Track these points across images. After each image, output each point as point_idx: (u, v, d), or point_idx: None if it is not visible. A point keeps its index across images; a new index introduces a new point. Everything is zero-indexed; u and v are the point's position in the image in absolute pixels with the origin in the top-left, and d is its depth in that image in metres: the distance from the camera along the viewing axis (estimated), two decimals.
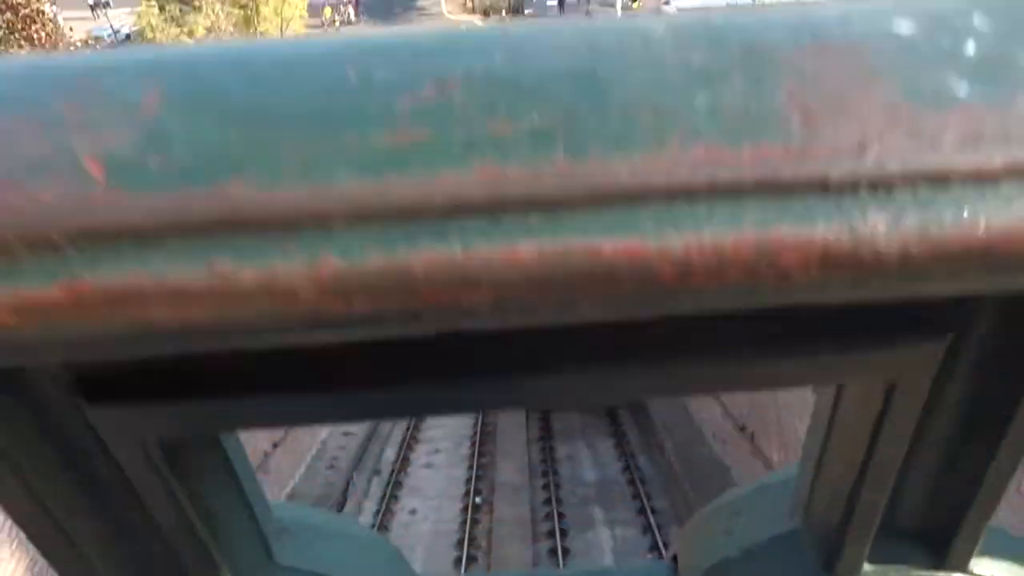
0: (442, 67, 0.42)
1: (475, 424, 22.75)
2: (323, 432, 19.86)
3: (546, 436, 21.05)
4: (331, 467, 18.04)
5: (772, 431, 13.73)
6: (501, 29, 0.45)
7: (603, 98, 0.42)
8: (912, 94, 0.42)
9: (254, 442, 14.93)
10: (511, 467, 18.72)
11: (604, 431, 21.30)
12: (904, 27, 0.42)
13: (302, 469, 17.78)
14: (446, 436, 22.40)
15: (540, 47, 0.43)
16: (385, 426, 22.57)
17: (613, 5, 52.38)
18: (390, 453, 21.18)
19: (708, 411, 18.25)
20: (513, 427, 21.36)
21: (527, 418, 21.61)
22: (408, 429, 22.63)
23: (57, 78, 0.42)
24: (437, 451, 21.36)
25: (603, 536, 16.23)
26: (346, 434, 20.10)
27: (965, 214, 0.41)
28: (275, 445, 15.98)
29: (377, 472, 20.03)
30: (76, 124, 0.40)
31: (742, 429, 15.38)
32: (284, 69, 0.43)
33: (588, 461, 19.95)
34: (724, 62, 0.42)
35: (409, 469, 20.21)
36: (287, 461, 16.82)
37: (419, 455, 21.15)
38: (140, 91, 0.41)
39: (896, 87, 0.42)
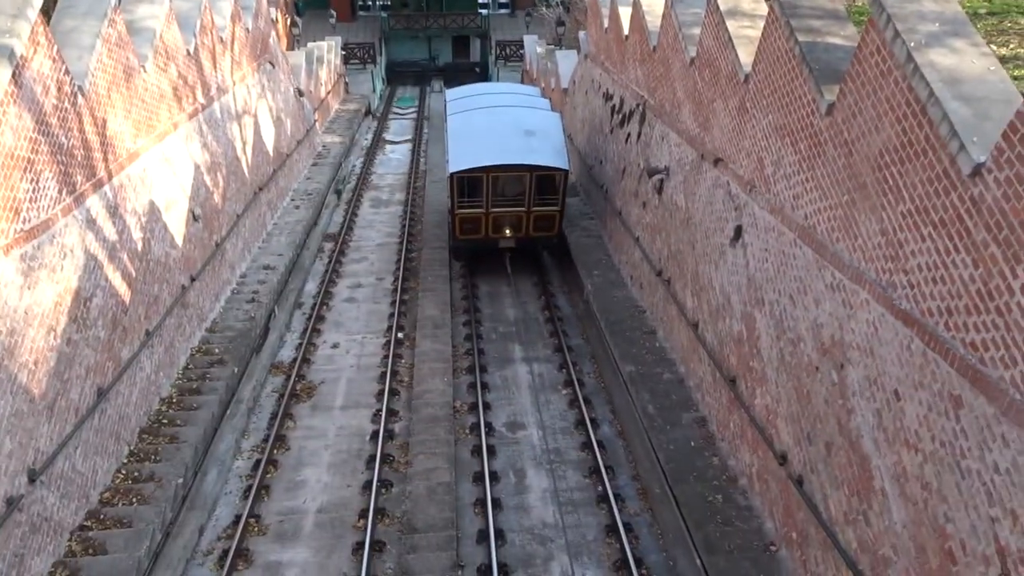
0: None
1: (398, 260, 22.80)
2: (242, 265, 19.56)
3: (468, 274, 21.29)
4: (252, 300, 17.92)
5: (688, 277, 14.22)
6: None
7: None
8: None
9: (169, 275, 14.59)
10: (434, 303, 19.01)
11: (526, 272, 21.66)
12: None
13: (221, 302, 17.61)
14: (368, 271, 22.43)
15: None
16: (306, 259, 22.37)
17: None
18: (312, 287, 21.16)
19: (628, 254, 18.71)
20: (437, 264, 21.48)
21: (449, 257, 21.73)
22: (330, 263, 22.52)
23: None
24: (359, 285, 21.43)
25: (521, 371, 16.94)
26: (266, 268, 19.85)
27: None
28: (192, 279, 15.67)
29: (299, 305, 20.06)
30: None
31: (659, 274, 15.88)
32: None
33: (509, 299, 20.40)
34: None
35: (331, 303, 20.29)
36: (206, 295, 16.59)
37: (341, 289, 21.19)
38: None
39: None
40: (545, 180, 19.61)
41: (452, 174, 19.47)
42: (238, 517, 12.04)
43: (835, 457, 8.67)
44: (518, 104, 22.29)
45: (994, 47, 10.75)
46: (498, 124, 20.51)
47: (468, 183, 19.59)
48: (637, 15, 18.61)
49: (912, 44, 7.34)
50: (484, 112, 21.27)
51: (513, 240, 20.46)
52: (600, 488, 12.87)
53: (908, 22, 7.57)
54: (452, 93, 25.59)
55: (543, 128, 20.32)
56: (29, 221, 9.79)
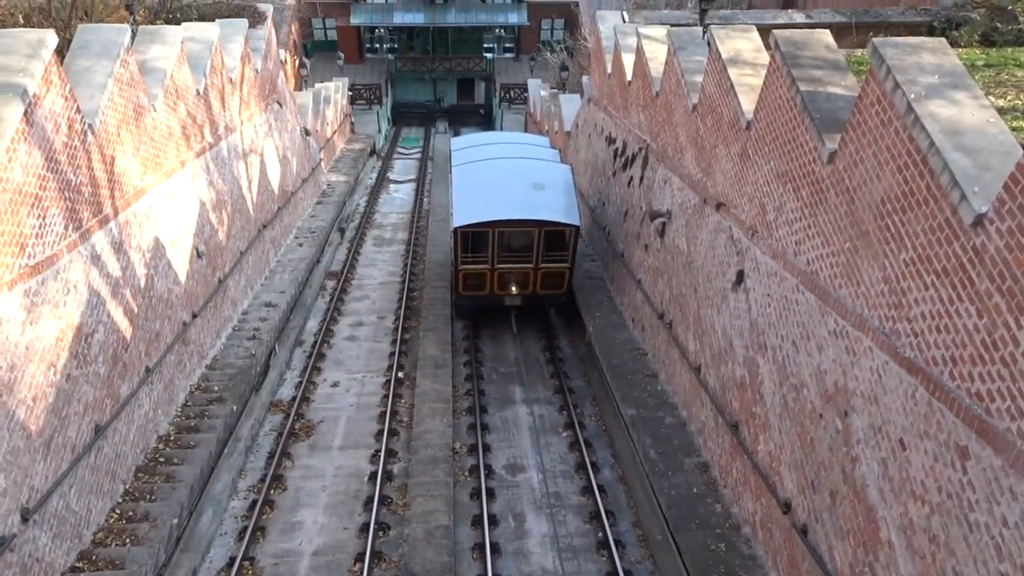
0: None
1: (400, 299, 22.81)
2: (244, 302, 19.57)
3: (470, 315, 21.29)
4: (253, 338, 17.89)
5: (690, 321, 14.20)
6: None
7: None
8: None
9: (171, 311, 14.59)
10: (435, 343, 18.97)
11: (528, 313, 21.65)
12: None
13: (222, 339, 17.58)
14: (369, 309, 22.43)
15: None
16: (308, 297, 22.39)
17: None
18: (313, 324, 21.14)
19: (630, 297, 18.71)
20: (439, 303, 21.49)
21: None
22: (332, 301, 22.53)
23: None
24: (360, 324, 21.41)
25: (521, 413, 16.83)
26: (268, 305, 19.85)
27: None
28: (194, 315, 15.67)
29: (300, 343, 20.02)
30: None
31: (660, 317, 15.86)
32: None
33: (511, 339, 20.36)
34: None
35: (332, 341, 20.25)
36: (207, 331, 16.57)
37: (342, 327, 21.17)
38: None
39: None
40: (554, 236, 18.84)
41: (456, 228, 18.72)
42: (232, 559, 11.87)
43: (840, 506, 8.56)
44: (526, 155, 21.69)
45: (993, 99, 10.88)
46: (505, 176, 19.89)
47: (473, 238, 18.84)
48: (640, 61, 18.89)
49: (912, 95, 7.42)
50: (491, 163, 20.67)
51: (519, 297, 19.69)
52: (600, 534, 12.70)
53: (908, 74, 7.67)
54: (458, 142, 24.96)
55: (552, 181, 19.75)
56: (34, 257, 9.83)
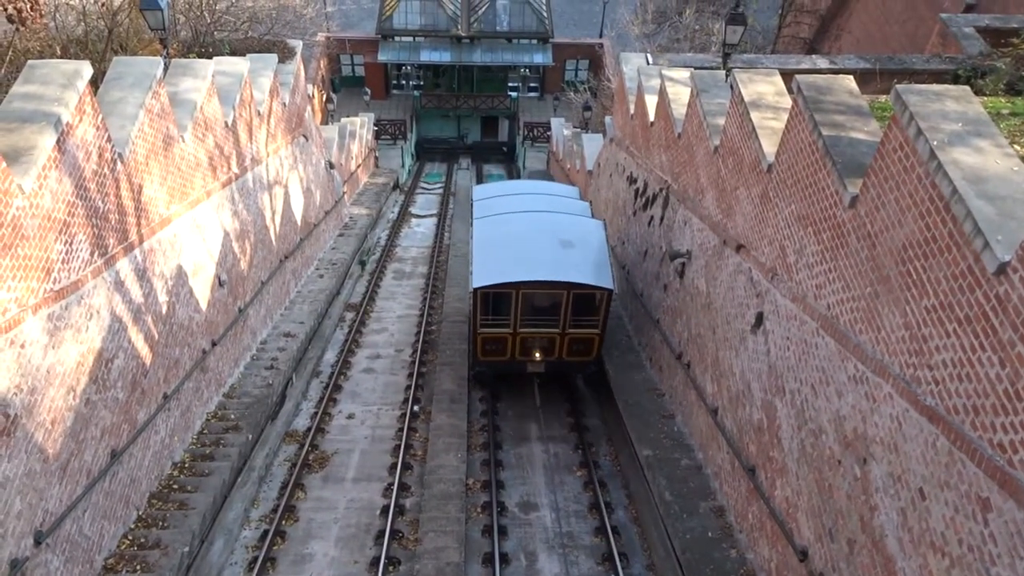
0: None
1: (418, 332, 22.86)
2: (263, 332, 19.70)
3: None
4: (271, 367, 17.97)
5: (708, 362, 14.10)
6: None
7: None
8: None
9: (191, 339, 14.71)
10: (451, 377, 18.96)
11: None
12: None
13: (240, 368, 17.68)
14: (387, 342, 22.49)
15: None
16: (327, 328, 22.50)
17: None
18: (331, 356, 21.21)
19: (648, 336, 18.63)
20: (456, 338, 21.51)
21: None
22: (350, 332, 22.63)
23: None
24: (378, 356, 21.45)
25: (536, 450, 16.71)
26: (287, 335, 19.96)
27: None
28: (214, 343, 15.79)
29: (317, 374, 20.07)
30: None
31: (679, 357, 15.77)
32: None
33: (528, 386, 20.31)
34: None
35: (349, 372, 20.29)
36: (226, 360, 16.68)
37: (359, 359, 21.21)
38: None
39: None
40: (584, 299, 17.04)
41: (476, 289, 16.86)
42: None
43: (858, 556, 8.38)
44: (555, 208, 20.17)
45: (1017, 147, 10.83)
46: (531, 232, 18.26)
47: (494, 299, 17.18)
48: (663, 103, 19.04)
49: (935, 142, 7.42)
50: (515, 217, 19.06)
51: (543, 364, 17.94)
52: None
53: (931, 120, 7.68)
54: (481, 191, 23.27)
55: (583, 238, 18.04)
56: (59, 282, 9.98)
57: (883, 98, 15.67)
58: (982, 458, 6.33)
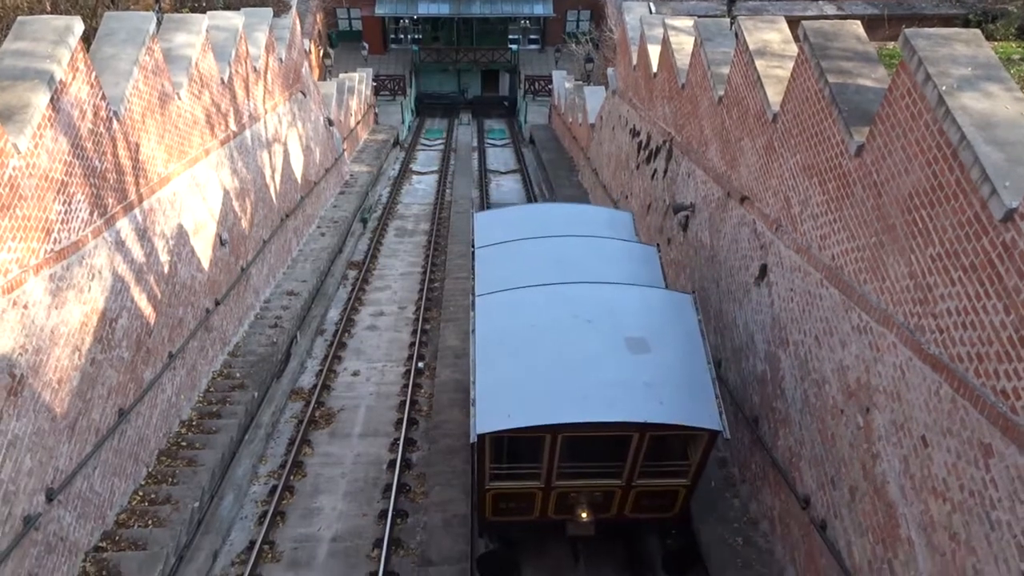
0: None
1: (421, 289, 22.87)
2: (266, 291, 19.71)
3: None
4: (275, 326, 18.03)
5: (711, 315, 14.10)
6: None
7: None
8: None
9: (194, 298, 14.73)
10: (455, 333, 19.02)
11: None
12: None
13: (244, 327, 17.73)
14: (390, 300, 22.51)
15: None
16: (330, 286, 22.51)
17: None
18: (334, 314, 21.26)
19: None
20: (459, 294, 21.53)
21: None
22: (353, 290, 22.64)
23: None
24: (381, 313, 21.50)
25: None
26: (290, 294, 19.98)
27: None
28: (217, 302, 15.81)
29: (321, 332, 20.15)
30: None
31: None
32: None
33: None
34: None
35: (353, 330, 20.36)
36: (230, 319, 16.72)
37: (363, 317, 21.26)
38: None
39: None
40: (670, 441, 10.32)
41: (483, 435, 9.55)
42: (252, 543, 11.99)
43: (860, 503, 8.47)
44: (603, 262, 12.96)
45: None
46: (574, 321, 10.81)
47: (512, 445, 10.51)
48: (666, 53, 18.73)
49: (944, 88, 7.28)
50: (545, 293, 11.45)
51: (592, 525, 10.93)
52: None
53: (940, 65, 7.53)
54: (484, 226, 15.12)
55: (662, 325, 10.94)
56: (60, 242, 9.95)
57: (891, 45, 15.40)
58: (985, 405, 6.34)
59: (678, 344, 10.57)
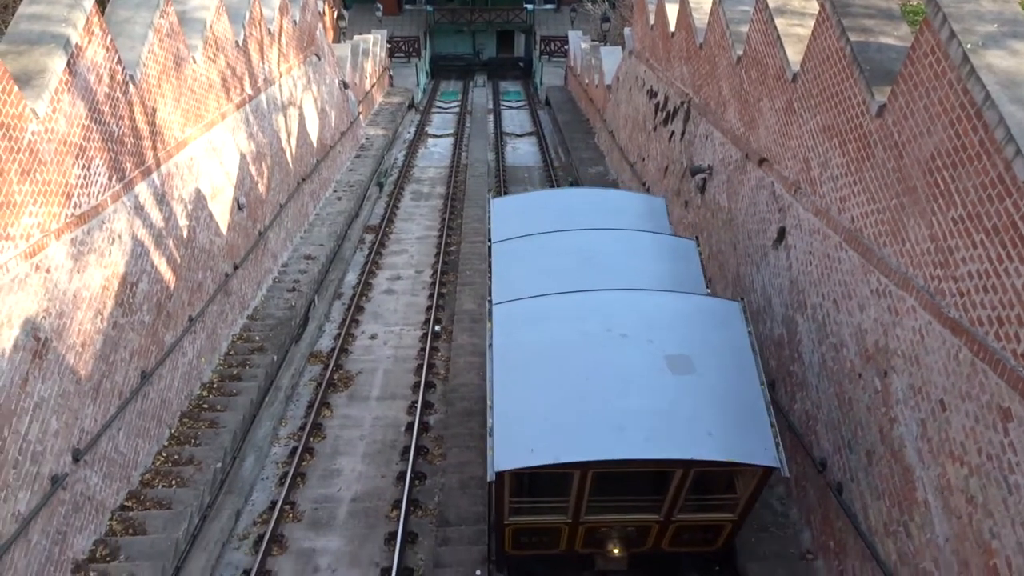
0: None
1: (437, 253, 22.89)
2: (284, 255, 19.82)
3: None
4: (293, 290, 18.15)
5: (729, 279, 14.04)
6: None
7: None
8: None
9: (213, 262, 14.84)
10: (471, 297, 19.07)
11: None
12: None
13: (263, 291, 17.87)
14: (407, 263, 22.57)
15: None
16: (347, 250, 22.59)
17: None
18: (351, 277, 21.36)
19: None
20: (476, 258, 21.54)
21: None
22: (370, 254, 22.71)
23: None
24: (398, 277, 21.58)
25: None
26: (307, 258, 20.08)
27: None
28: (235, 267, 15.92)
29: (338, 296, 20.27)
30: None
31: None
32: None
33: None
34: None
35: (370, 294, 20.46)
36: (248, 283, 16.85)
37: (380, 281, 21.35)
38: None
39: None
40: (716, 477, 9.28)
41: (502, 472, 8.36)
42: (274, 503, 12.22)
43: (876, 467, 8.49)
44: (634, 260, 11.71)
45: None
46: (605, 336, 9.44)
47: (534, 481, 9.58)
48: (684, 12, 18.40)
49: (968, 45, 7.12)
50: (570, 302, 10.00)
51: (626, 560, 9.86)
52: None
53: (965, 22, 7.35)
54: (500, 209, 14.15)
55: (708, 341, 9.47)
56: (80, 206, 10.03)
57: (915, 1, 15.04)
58: (1005, 368, 6.31)
59: (726, 362, 9.16)
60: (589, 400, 8.70)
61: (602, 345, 9.30)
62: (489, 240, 13.02)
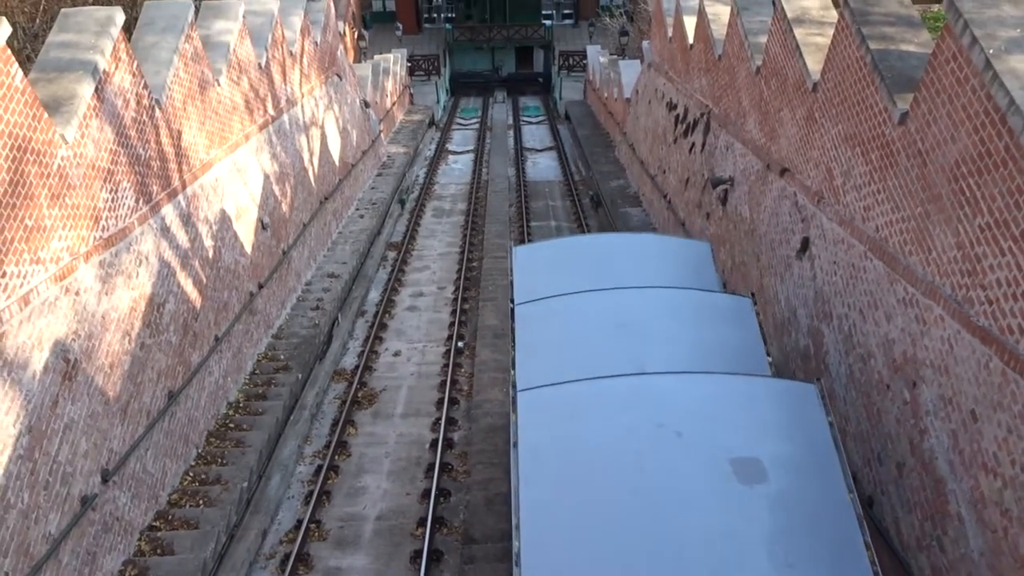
0: None
1: (459, 270, 22.95)
2: (307, 273, 19.98)
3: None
4: (317, 308, 18.28)
5: (752, 290, 13.93)
6: None
7: None
8: None
9: (238, 282, 15.00)
10: (494, 313, 19.08)
11: None
12: None
13: (287, 309, 18.01)
14: (430, 280, 22.65)
15: None
16: (370, 268, 22.72)
17: None
18: (374, 295, 21.47)
19: None
20: (497, 274, 21.58)
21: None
22: (392, 272, 22.82)
23: None
24: (421, 294, 21.65)
25: None
26: (331, 276, 20.22)
27: None
28: (260, 286, 16.07)
29: (362, 313, 20.37)
30: None
31: (723, 287, 15.59)
32: None
33: None
34: None
35: (393, 311, 20.54)
36: (272, 302, 17.00)
37: (403, 298, 21.44)
38: None
39: None
40: None
41: None
42: (300, 522, 12.25)
43: (907, 479, 8.35)
44: (685, 336, 10.01)
45: None
46: (656, 434, 7.77)
47: None
48: (702, 24, 18.41)
49: (991, 51, 7.05)
50: (612, 390, 8.33)
51: None
52: None
53: (987, 27, 7.28)
54: (523, 260, 12.57)
55: (780, 437, 7.84)
56: (108, 229, 10.19)
57: (936, 7, 14.93)
58: None
59: (805, 464, 7.55)
60: (637, 519, 7.09)
61: (653, 446, 7.66)
62: (512, 301, 11.29)
